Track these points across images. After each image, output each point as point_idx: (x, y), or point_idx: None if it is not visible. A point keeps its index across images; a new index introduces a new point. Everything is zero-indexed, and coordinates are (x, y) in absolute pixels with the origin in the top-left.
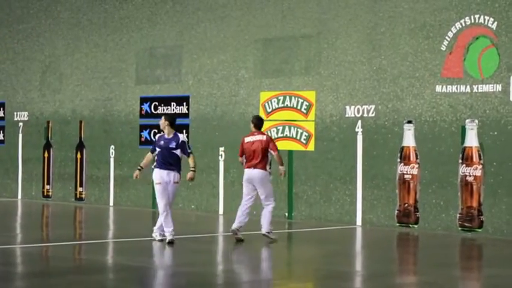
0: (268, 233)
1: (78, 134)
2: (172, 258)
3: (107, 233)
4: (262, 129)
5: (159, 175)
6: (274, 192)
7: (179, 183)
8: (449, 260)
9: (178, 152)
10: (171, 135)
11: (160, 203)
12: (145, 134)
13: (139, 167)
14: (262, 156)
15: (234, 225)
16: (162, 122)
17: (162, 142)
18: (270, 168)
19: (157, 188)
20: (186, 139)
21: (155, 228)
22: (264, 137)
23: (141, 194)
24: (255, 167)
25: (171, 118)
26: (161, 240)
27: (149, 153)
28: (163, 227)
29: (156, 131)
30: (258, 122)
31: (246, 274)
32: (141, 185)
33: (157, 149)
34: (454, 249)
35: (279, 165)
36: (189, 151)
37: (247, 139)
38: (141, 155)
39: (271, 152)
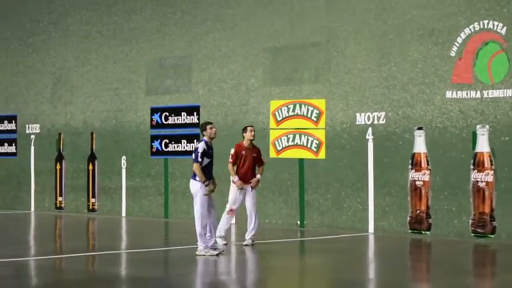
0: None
1: (90, 146)
2: (188, 268)
3: (120, 244)
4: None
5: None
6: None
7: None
8: (462, 267)
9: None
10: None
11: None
12: (156, 144)
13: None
14: None
15: None
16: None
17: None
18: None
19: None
20: (198, 146)
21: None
22: None
23: (154, 205)
24: None
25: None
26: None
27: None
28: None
29: (167, 141)
30: None
31: (259, 284)
32: (153, 196)
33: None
34: (467, 256)
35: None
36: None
37: None
38: (152, 166)
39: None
